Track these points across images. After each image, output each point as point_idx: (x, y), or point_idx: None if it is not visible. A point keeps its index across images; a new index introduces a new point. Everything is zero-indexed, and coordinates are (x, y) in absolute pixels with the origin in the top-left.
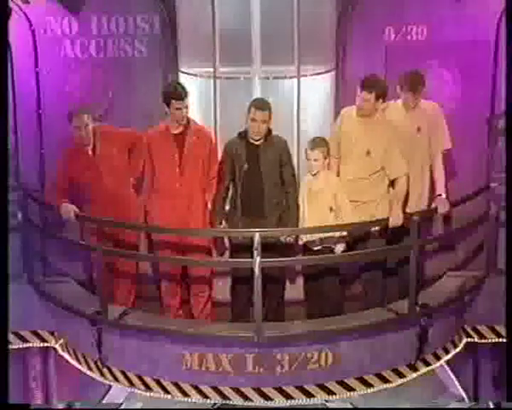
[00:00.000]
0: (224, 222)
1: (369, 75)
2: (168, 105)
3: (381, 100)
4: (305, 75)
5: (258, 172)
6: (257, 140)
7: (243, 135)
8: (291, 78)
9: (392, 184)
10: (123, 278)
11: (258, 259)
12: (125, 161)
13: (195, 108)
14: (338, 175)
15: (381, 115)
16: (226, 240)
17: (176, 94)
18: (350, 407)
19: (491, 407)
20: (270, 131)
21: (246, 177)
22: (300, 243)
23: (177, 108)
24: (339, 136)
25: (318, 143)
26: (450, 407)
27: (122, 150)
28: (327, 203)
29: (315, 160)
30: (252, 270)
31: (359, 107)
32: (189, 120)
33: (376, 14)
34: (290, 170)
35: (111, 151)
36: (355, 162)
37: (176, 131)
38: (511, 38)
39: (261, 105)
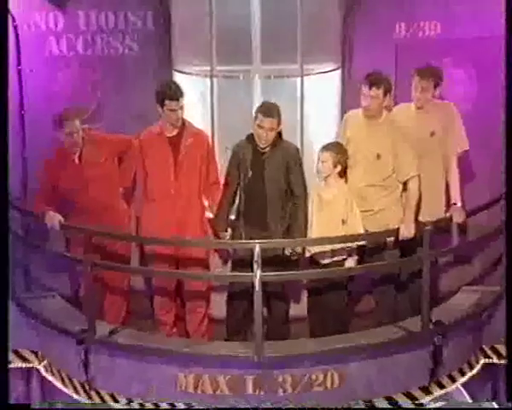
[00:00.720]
0: (229, 230)
1: (373, 72)
2: (162, 106)
3: (388, 96)
4: (309, 74)
5: (261, 180)
6: (267, 146)
7: (251, 138)
8: (294, 77)
9: (404, 189)
10: (112, 293)
11: (258, 272)
12: (115, 169)
13: (191, 110)
14: (346, 183)
15: (387, 115)
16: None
17: (170, 94)
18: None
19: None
20: (280, 135)
21: (249, 184)
22: (308, 254)
23: (171, 109)
24: (345, 140)
25: (331, 146)
26: (450, 407)
27: (111, 158)
28: (339, 214)
29: (323, 162)
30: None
31: (367, 106)
32: (184, 122)
33: (386, 8)
34: (299, 179)
35: (99, 159)
36: (365, 168)
37: (170, 134)
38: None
39: (269, 111)
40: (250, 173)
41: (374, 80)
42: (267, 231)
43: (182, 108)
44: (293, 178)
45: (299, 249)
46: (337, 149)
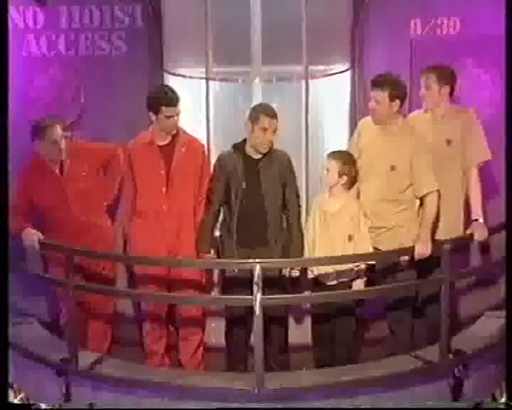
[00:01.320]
0: (212, 252)
1: (381, 73)
2: (156, 112)
3: (397, 101)
4: (316, 76)
5: (258, 193)
6: (259, 154)
7: (240, 147)
8: (298, 79)
9: (421, 204)
10: (96, 318)
11: (258, 295)
12: (98, 182)
13: (184, 116)
14: (358, 197)
15: (404, 123)
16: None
17: (167, 99)
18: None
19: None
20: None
21: (244, 198)
22: (311, 276)
23: (168, 116)
24: (357, 151)
25: (337, 154)
26: (450, 406)
27: (94, 170)
28: (344, 230)
29: (328, 170)
30: (247, 309)
31: (372, 110)
32: (177, 130)
33: (400, 4)
34: (294, 189)
35: (82, 171)
36: (378, 180)
37: (162, 143)
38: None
39: (272, 112)
40: (244, 186)
41: (377, 82)
42: (266, 249)
43: (178, 114)
44: (288, 189)
45: (298, 269)
46: (344, 158)
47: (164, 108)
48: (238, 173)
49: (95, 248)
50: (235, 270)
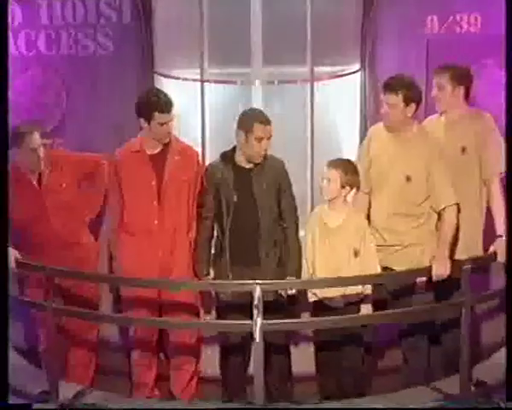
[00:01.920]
0: (211, 272)
1: (395, 75)
2: (148, 119)
3: (413, 105)
4: (322, 79)
5: (251, 205)
6: (251, 163)
7: (229, 156)
8: (303, 82)
9: (438, 219)
10: (78, 346)
11: (259, 320)
12: (80, 195)
13: (177, 122)
14: (369, 213)
15: (419, 129)
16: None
17: (160, 104)
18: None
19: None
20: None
21: (236, 211)
22: (313, 299)
23: (161, 123)
24: (367, 161)
25: (339, 163)
26: (451, 406)
27: (75, 182)
28: (349, 244)
29: (329, 181)
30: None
31: (384, 115)
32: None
33: None
34: (290, 199)
35: (62, 182)
36: (392, 192)
37: (153, 151)
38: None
39: (265, 118)
40: (235, 199)
41: (390, 85)
42: (259, 267)
43: (172, 120)
44: (283, 199)
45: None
46: (346, 167)
47: (157, 114)
48: (228, 185)
49: (77, 267)
50: (229, 292)
